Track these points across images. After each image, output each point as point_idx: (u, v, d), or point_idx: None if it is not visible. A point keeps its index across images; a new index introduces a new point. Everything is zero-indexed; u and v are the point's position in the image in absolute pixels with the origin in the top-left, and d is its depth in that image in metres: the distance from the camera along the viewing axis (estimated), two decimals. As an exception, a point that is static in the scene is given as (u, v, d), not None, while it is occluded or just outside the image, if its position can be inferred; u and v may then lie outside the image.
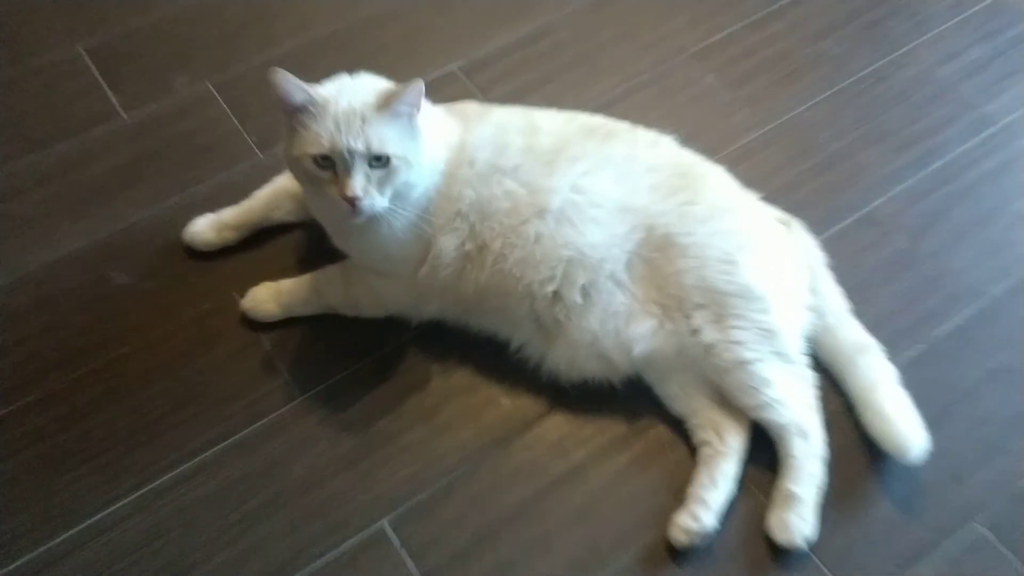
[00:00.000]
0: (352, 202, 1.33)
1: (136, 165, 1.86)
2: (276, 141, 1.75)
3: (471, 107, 1.62)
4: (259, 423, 1.52)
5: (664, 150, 1.58)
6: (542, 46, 2.09)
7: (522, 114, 1.58)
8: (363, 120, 1.32)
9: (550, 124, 1.54)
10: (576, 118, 1.59)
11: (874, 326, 1.55)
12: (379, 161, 1.34)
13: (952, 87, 2.01)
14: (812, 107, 1.97)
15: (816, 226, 1.61)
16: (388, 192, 1.37)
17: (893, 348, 1.52)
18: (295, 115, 1.34)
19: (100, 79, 2.01)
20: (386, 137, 1.33)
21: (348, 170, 1.33)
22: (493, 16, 2.13)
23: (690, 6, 2.16)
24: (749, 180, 1.60)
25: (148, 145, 1.90)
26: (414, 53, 2.07)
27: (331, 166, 1.34)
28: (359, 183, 1.33)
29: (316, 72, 1.41)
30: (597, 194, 1.48)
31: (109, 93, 1.99)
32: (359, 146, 1.32)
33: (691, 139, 1.60)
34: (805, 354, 1.48)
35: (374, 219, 1.40)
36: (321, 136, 1.32)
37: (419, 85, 1.34)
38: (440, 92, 1.61)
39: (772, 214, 1.59)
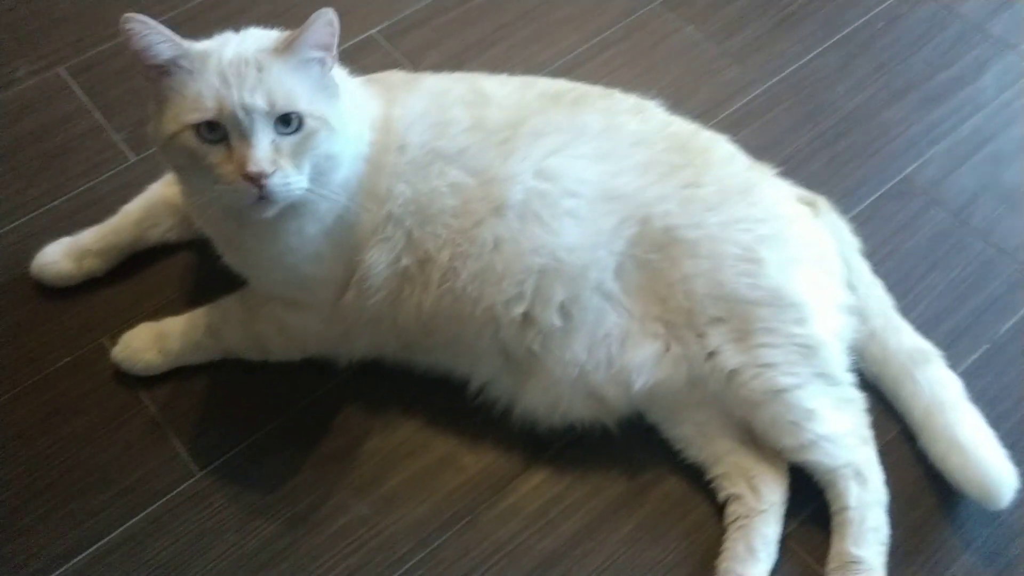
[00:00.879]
0: (257, 180, 1.08)
1: (-34, 179, 1.63)
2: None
3: (395, 75, 1.40)
4: (141, 515, 1.28)
5: (652, 118, 1.37)
6: (480, 1, 1.89)
7: (463, 81, 1.37)
8: (259, 69, 1.10)
9: (502, 92, 1.34)
10: (534, 83, 1.40)
11: (925, 326, 1.39)
12: (288, 125, 1.11)
13: (979, 24, 1.87)
14: (817, 57, 1.81)
15: (839, 202, 1.44)
16: (306, 167, 1.13)
17: (951, 352, 1.35)
18: (163, 80, 1.12)
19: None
20: (293, 89, 1.11)
21: (247, 136, 1.09)
22: (419, -34, 1.96)
23: (654, -55, 2.03)
24: (752, 150, 1.42)
25: (-18, 152, 1.66)
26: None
27: (222, 137, 1.10)
28: (264, 152, 1.08)
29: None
30: (571, 179, 1.27)
31: (-72, 90, 1.75)
32: (258, 101, 1.08)
33: (676, 105, 1.43)
34: (850, 371, 1.29)
35: (281, 221, 1.18)
36: (203, 96, 1.08)
37: (327, 15, 1.11)
38: (357, 64, 1.39)
39: (793, 192, 1.39)
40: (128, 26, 1.07)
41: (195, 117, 1.08)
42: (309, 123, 1.11)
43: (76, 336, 1.42)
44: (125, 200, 1.50)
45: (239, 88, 1.07)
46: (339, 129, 1.15)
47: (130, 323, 1.40)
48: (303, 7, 1.77)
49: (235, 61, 1.09)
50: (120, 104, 1.70)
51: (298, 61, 1.11)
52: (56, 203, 1.56)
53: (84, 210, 1.54)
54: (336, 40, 1.14)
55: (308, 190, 1.13)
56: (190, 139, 1.09)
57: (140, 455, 1.33)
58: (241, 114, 1.07)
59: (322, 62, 1.14)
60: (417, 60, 1.76)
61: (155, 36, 1.08)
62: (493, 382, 1.32)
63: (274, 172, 1.09)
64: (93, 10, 1.83)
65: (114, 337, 1.39)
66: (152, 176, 1.53)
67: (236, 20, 1.71)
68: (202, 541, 1.26)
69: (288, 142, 1.10)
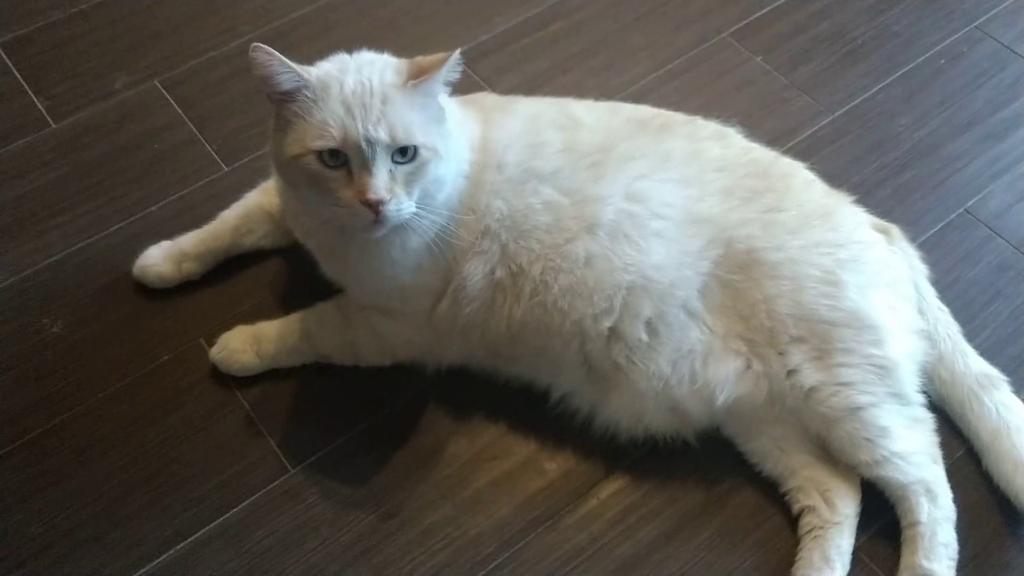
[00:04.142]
0: (376, 207, 1.11)
1: (69, 184, 1.64)
2: (241, 150, 1.67)
3: (489, 98, 1.43)
4: (239, 507, 1.31)
5: (733, 144, 1.39)
6: (556, 29, 1.91)
7: (555, 105, 1.39)
8: (384, 102, 1.12)
9: (591, 116, 1.36)
10: (620, 109, 1.42)
11: (988, 352, 1.40)
12: (405, 155, 1.13)
13: (1039, 65, 1.87)
14: (881, 91, 1.82)
15: (904, 231, 1.44)
16: (416, 193, 1.16)
17: (1014, 378, 1.36)
18: (284, 105, 1.14)
19: (22, 82, 1.80)
20: (413, 122, 1.13)
21: (368, 166, 1.11)
22: (496, -7, 1.96)
23: (723, -22, 2.02)
24: (820, 179, 1.43)
25: (84, 159, 1.68)
26: (403, 40, 1.86)
27: (343, 163, 1.12)
28: (383, 181, 1.11)
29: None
30: (658, 202, 1.29)
31: (34, 98, 1.77)
32: (381, 134, 1.10)
33: (744, 133, 1.44)
34: (920, 392, 1.31)
35: (384, 237, 1.21)
36: (329, 125, 1.10)
37: (457, 56, 1.15)
38: (439, 85, 1.41)
39: (868, 219, 1.40)
40: (253, 55, 1.10)
41: (320, 144, 1.10)
42: (423, 153, 1.13)
43: (175, 335, 1.45)
44: (218, 208, 1.53)
45: (364, 120, 1.10)
46: (445, 155, 1.17)
47: (225, 324, 1.42)
48: (386, 28, 1.87)
49: (359, 92, 1.11)
50: (212, 116, 1.72)
51: (424, 96, 1.14)
52: (153, 208, 1.59)
53: (179, 216, 1.56)
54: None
55: (415, 214, 1.15)
56: (312, 163, 1.12)
57: (236, 451, 1.34)
58: (364, 145, 1.10)
59: (439, 95, 1.17)
60: (494, 83, 1.78)
61: (278, 66, 1.10)
62: (575, 393, 1.34)
63: (390, 200, 1.11)
64: (186, 27, 1.87)
65: (210, 337, 1.41)
66: (242, 185, 1.55)
67: (322, 39, 1.80)
68: (298, 533, 1.28)
69: (402, 171, 1.13)
